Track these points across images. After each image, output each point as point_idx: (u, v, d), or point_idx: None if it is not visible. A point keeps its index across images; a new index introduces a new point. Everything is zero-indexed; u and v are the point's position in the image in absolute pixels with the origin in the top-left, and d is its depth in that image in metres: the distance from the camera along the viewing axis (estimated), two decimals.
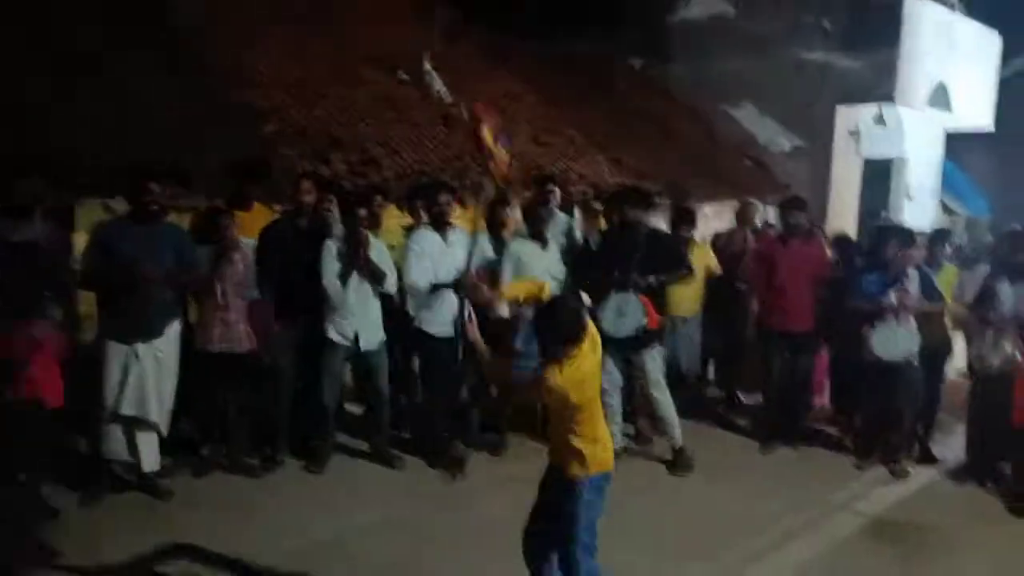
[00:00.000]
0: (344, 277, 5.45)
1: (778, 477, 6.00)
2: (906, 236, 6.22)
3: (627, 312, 5.60)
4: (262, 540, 4.56)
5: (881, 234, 6.34)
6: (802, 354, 6.59)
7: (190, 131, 6.77)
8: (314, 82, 8.56)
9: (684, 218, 6.95)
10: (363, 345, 5.58)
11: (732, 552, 4.71)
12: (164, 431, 5.09)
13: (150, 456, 5.07)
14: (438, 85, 9.66)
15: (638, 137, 11.38)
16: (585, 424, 3.55)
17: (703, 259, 6.79)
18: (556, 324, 3.46)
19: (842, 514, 5.38)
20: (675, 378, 6.55)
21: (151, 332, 4.98)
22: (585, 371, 3.49)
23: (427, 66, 9.65)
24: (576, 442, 3.55)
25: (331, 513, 5.01)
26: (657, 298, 5.86)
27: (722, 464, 6.13)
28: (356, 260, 5.46)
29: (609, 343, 5.46)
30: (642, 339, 5.76)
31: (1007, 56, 15.56)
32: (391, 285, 5.64)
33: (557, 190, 6.86)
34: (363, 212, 5.55)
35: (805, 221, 6.69)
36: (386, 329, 5.77)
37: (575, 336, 3.44)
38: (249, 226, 5.64)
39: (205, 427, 5.63)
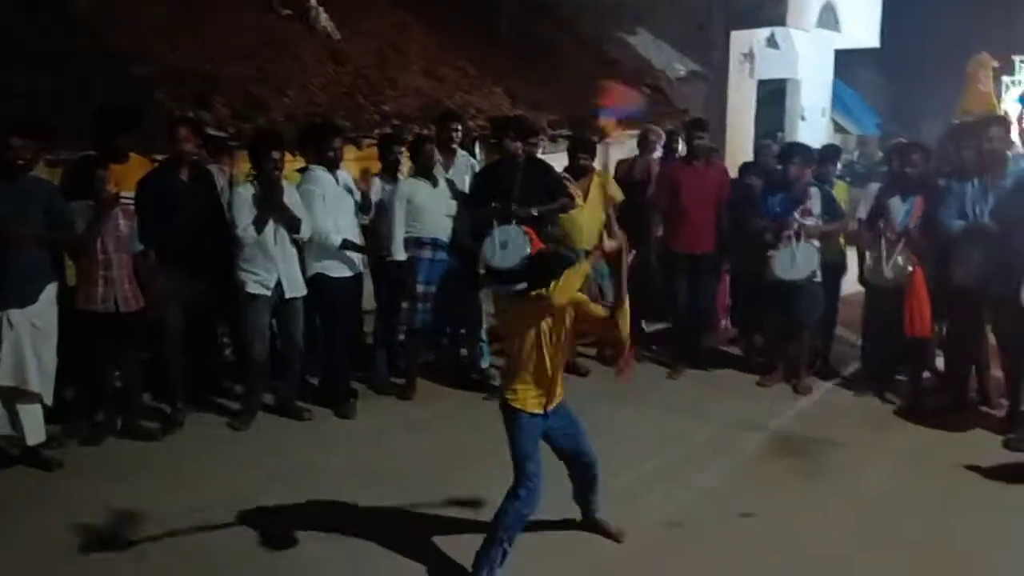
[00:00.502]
0: (260, 225, 5.19)
1: (685, 398, 6.11)
2: (809, 155, 6.28)
3: (509, 243, 5.48)
4: (160, 505, 4.36)
5: (784, 153, 6.37)
6: (705, 276, 6.65)
7: (53, 79, 6.29)
8: (187, 20, 8.06)
9: (582, 147, 6.83)
10: (288, 292, 5.38)
11: (640, 470, 4.75)
12: (48, 400, 4.78)
13: (34, 428, 4.76)
14: (324, 20, 9.25)
15: (534, 67, 11.20)
16: None
17: (604, 188, 6.68)
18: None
19: (747, 430, 5.48)
20: None
21: (24, 298, 4.64)
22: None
23: (311, 0, 9.22)
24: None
25: (231, 470, 4.83)
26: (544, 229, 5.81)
27: (629, 388, 6.13)
28: (272, 206, 5.20)
29: (496, 276, 5.48)
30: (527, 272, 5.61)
31: None
32: (306, 231, 5.40)
33: (460, 127, 6.64)
34: (277, 155, 5.26)
35: (708, 143, 6.72)
36: None
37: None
38: (126, 178, 5.28)
39: (95, 393, 5.32)
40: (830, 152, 6.91)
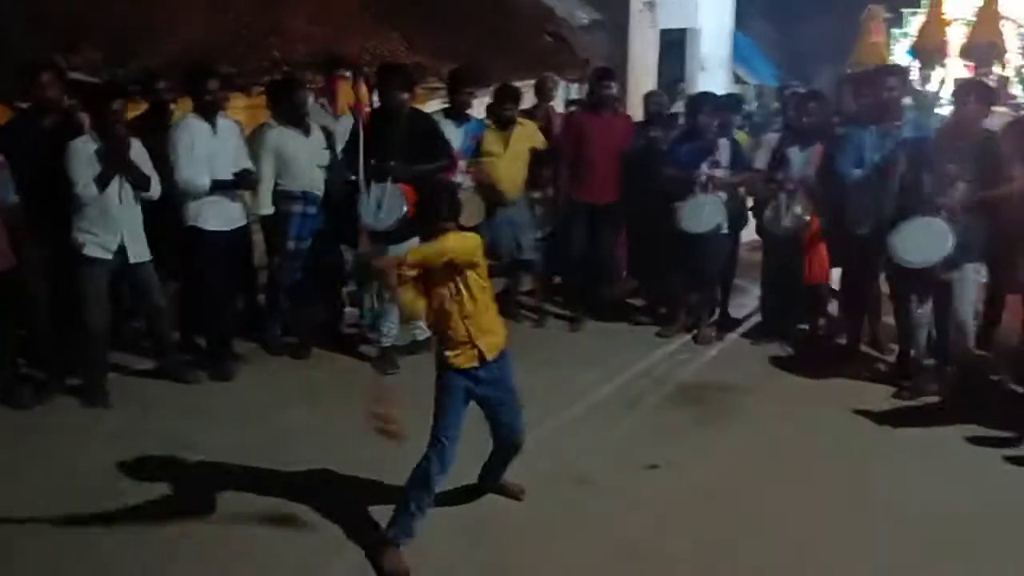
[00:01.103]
0: (103, 182, 4.76)
1: (587, 350, 6.06)
2: (718, 105, 6.22)
3: (384, 203, 5.24)
4: (29, 475, 4.08)
5: (693, 103, 6.29)
6: (608, 226, 6.59)
7: None
8: None
9: (508, 96, 6.58)
10: (132, 257, 4.95)
11: (544, 426, 4.64)
12: None
13: None
14: None
15: (432, 13, 10.77)
16: None
17: (528, 139, 6.48)
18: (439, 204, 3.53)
19: (650, 382, 5.48)
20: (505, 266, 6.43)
21: None
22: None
23: None
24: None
25: (107, 440, 4.54)
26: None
27: (532, 342, 6.08)
28: (117, 162, 4.78)
29: (374, 237, 5.29)
30: (403, 232, 5.17)
31: None
32: (156, 189, 5.02)
33: (347, 75, 6.33)
34: (118, 105, 4.84)
35: (615, 92, 6.60)
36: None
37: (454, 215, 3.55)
38: None
39: None
40: (732, 102, 6.89)
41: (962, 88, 5.20)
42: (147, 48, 7.03)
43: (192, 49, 7.42)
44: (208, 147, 5.19)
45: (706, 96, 6.46)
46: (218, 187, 5.24)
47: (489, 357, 3.54)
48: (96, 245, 4.86)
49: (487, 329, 3.54)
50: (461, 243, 3.43)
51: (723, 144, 6.00)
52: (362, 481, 4.09)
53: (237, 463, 4.31)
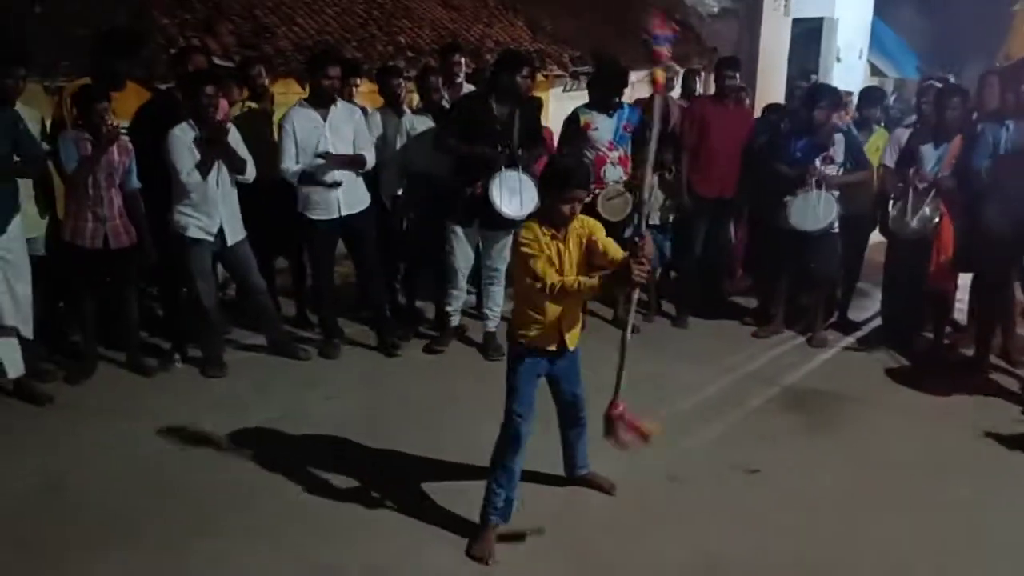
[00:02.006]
0: (204, 169, 4.90)
1: (697, 347, 5.92)
2: (836, 98, 5.95)
3: (522, 192, 5.22)
4: (142, 446, 4.29)
5: (810, 96, 6.03)
6: (727, 221, 6.41)
7: (50, 2, 6.09)
8: None
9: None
10: (230, 239, 5.09)
11: (645, 420, 4.56)
12: (27, 333, 4.69)
13: (12, 361, 4.67)
14: None
15: (556, 0, 10.80)
16: None
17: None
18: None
19: (757, 383, 5.30)
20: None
21: None
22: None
23: None
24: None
25: (227, 410, 4.73)
26: None
27: (641, 337, 5.95)
28: (217, 149, 4.90)
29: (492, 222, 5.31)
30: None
31: None
32: (251, 173, 5.14)
33: (463, 60, 6.36)
34: (211, 91, 4.91)
35: (739, 82, 6.43)
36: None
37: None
38: (123, 107, 5.10)
39: (84, 329, 5.18)
40: (873, 95, 6.51)
41: None
42: (279, 31, 7.30)
43: (323, 31, 7.67)
44: (314, 136, 5.19)
45: (823, 89, 6.16)
46: (309, 176, 5.25)
47: (571, 347, 3.52)
48: (198, 227, 5.01)
49: (575, 320, 3.51)
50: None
51: (839, 139, 5.72)
52: (465, 463, 4.10)
53: (346, 437, 4.42)
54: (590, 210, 5.30)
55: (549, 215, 3.34)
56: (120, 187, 4.88)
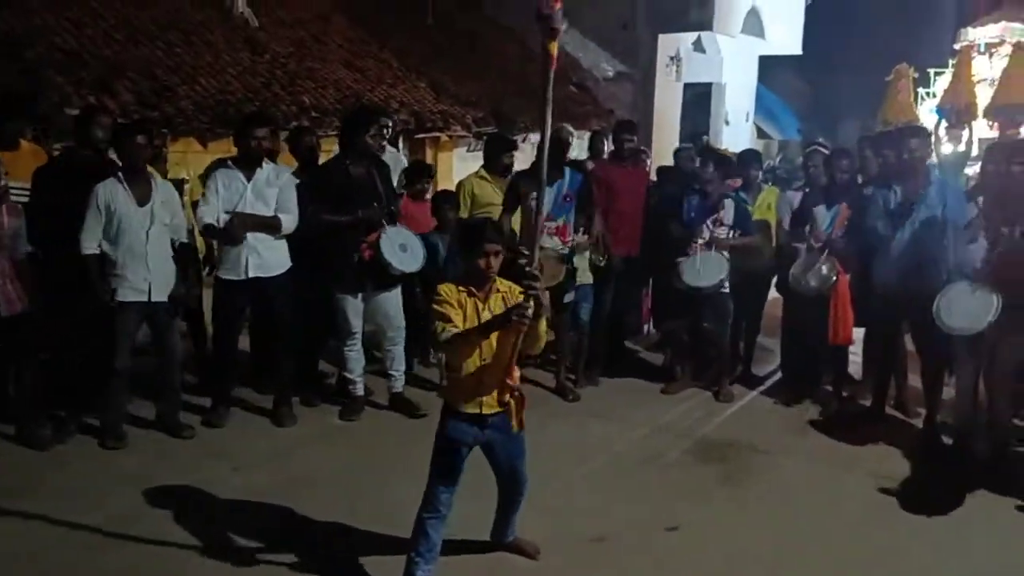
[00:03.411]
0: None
1: (608, 405, 5.98)
2: (726, 163, 6.21)
3: (408, 246, 5.31)
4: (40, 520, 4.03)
5: (701, 159, 6.29)
6: (634, 279, 6.57)
7: None
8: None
9: (505, 145, 6.63)
10: (154, 296, 4.91)
11: (562, 481, 4.59)
12: None
13: None
14: (241, 5, 8.87)
15: (458, 61, 10.98)
16: None
17: None
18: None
19: (670, 438, 5.38)
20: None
21: None
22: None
23: None
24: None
25: (132, 484, 4.48)
26: None
27: (548, 398, 6.04)
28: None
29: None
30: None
31: None
32: (182, 230, 5.06)
33: (390, 123, 6.37)
34: (141, 139, 4.83)
35: (637, 145, 6.65)
36: None
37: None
38: (17, 168, 4.89)
39: None
40: (750, 157, 6.82)
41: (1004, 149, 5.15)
42: (179, 90, 7.15)
43: (224, 91, 7.55)
44: (235, 196, 5.10)
45: (711, 154, 6.44)
46: (216, 234, 5.15)
47: (490, 412, 3.46)
48: (128, 287, 4.84)
49: (496, 383, 3.43)
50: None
51: (729, 204, 5.95)
52: (375, 532, 4.00)
53: (251, 507, 4.26)
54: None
55: (468, 275, 3.38)
56: (9, 251, 4.63)
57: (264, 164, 5.20)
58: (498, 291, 3.42)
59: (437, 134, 9.35)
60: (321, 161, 5.93)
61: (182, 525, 4.06)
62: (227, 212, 5.06)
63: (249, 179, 5.13)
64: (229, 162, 5.21)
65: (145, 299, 4.88)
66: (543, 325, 3.38)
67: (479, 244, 3.34)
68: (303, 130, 6.18)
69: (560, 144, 6.06)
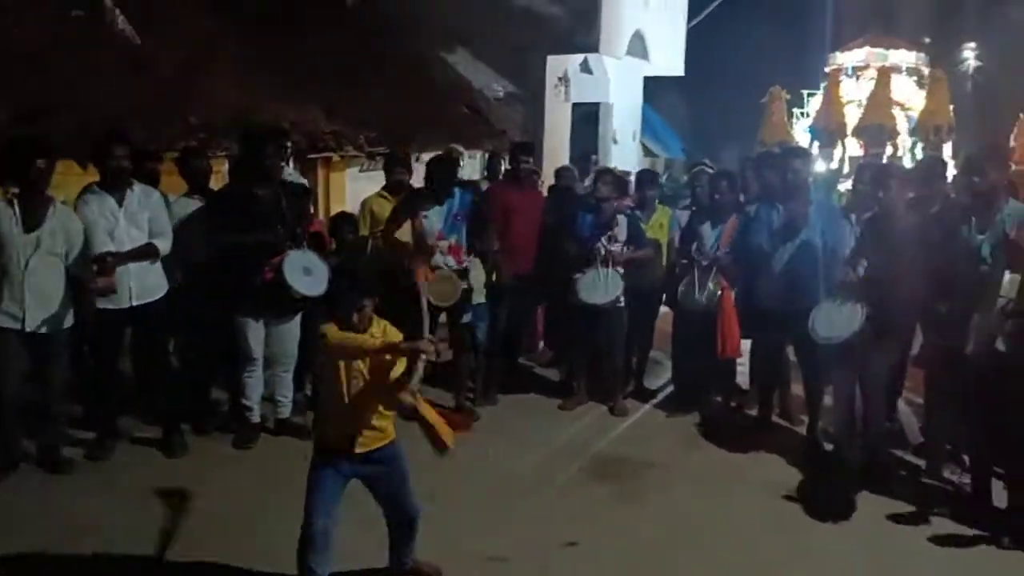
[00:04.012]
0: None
1: (503, 424, 6.03)
2: (619, 182, 6.40)
3: (313, 269, 5.24)
4: None
5: (596, 177, 6.46)
6: (529, 297, 6.67)
7: None
8: None
9: (397, 162, 6.65)
10: (29, 325, 4.68)
11: (459, 502, 4.62)
12: None
13: None
14: (122, 23, 8.57)
15: (352, 81, 10.88)
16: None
17: None
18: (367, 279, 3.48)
19: (566, 456, 5.46)
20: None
21: None
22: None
23: (107, 2, 8.52)
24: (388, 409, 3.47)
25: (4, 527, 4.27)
26: None
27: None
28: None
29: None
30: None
31: (693, 6, 16.75)
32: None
33: (288, 143, 6.28)
34: (42, 163, 4.67)
35: (532, 166, 6.78)
36: None
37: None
38: None
39: None
40: (648, 177, 7.05)
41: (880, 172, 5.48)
42: (58, 110, 6.86)
43: (108, 111, 7.28)
44: (108, 223, 4.92)
45: (605, 173, 6.64)
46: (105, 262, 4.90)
47: (358, 450, 3.47)
48: (3, 314, 4.64)
49: (367, 423, 3.46)
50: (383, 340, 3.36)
51: (622, 220, 6.15)
52: (273, 571, 3.89)
53: (143, 549, 4.11)
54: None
55: (342, 319, 3.40)
56: None
57: (133, 186, 5.05)
58: (374, 335, 3.42)
59: (329, 154, 9.27)
60: (213, 183, 5.81)
61: (61, 569, 3.89)
62: (98, 256, 4.86)
63: (121, 204, 4.97)
64: (95, 187, 5.01)
65: (19, 327, 4.66)
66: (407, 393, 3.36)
67: (355, 297, 3.37)
68: (192, 151, 6.02)
69: (450, 164, 6.14)
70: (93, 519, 4.35)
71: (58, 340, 4.87)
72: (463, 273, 5.79)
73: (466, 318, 5.90)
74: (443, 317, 5.77)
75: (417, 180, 6.76)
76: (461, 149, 7.71)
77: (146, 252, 5.03)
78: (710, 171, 6.48)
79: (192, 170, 5.68)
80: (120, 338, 5.22)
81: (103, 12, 8.44)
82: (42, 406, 4.96)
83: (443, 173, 5.90)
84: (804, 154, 6.08)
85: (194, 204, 5.56)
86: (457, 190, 5.94)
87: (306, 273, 5.20)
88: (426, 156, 10.29)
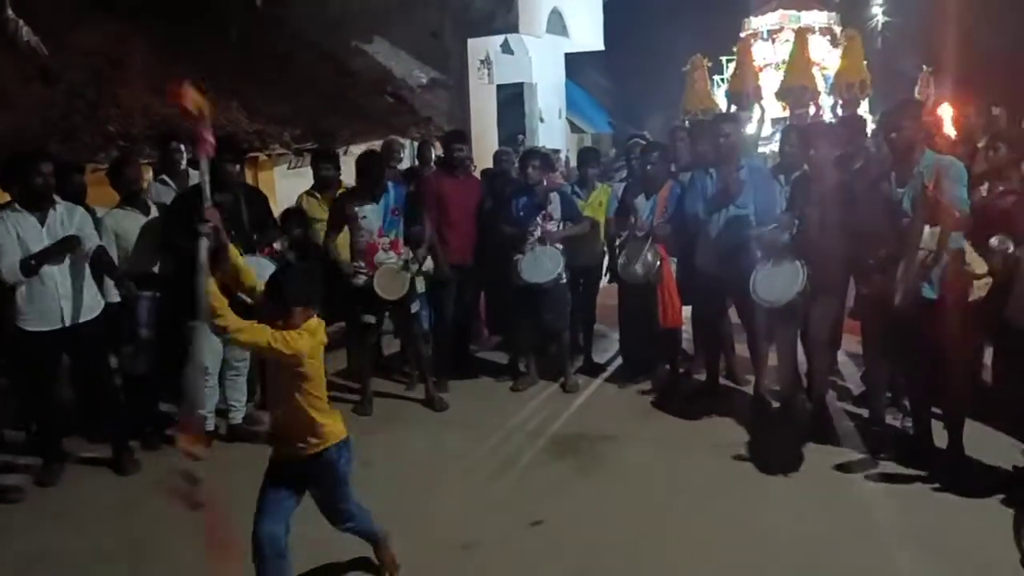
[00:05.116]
0: None
1: (458, 411, 6.06)
2: (546, 160, 6.43)
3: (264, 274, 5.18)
4: None
5: (523, 160, 6.49)
6: (471, 286, 6.67)
7: None
8: None
9: (325, 158, 6.63)
10: None
11: (425, 492, 4.64)
12: None
13: None
14: (26, 34, 8.27)
15: (269, 80, 10.70)
16: (323, 395, 3.46)
17: None
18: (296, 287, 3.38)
19: (522, 436, 5.52)
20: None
21: None
22: (320, 338, 3.41)
23: (9, 12, 8.20)
24: (318, 415, 3.42)
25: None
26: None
27: (403, 409, 6.09)
28: None
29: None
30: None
31: None
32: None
33: (183, 147, 6.13)
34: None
35: (468, 153, 6.78)
36: None
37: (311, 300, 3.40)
38: None
39: None
40: (589, 156, 7.07)
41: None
42: None
43: (19, 126, 7.05)
44: (31, 244, 4.75)
45: (533, 153, 6.67)
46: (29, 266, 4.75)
47: (284, 457, 3.47)
48: None
49: (294, 429, 3.43)
50: (290, 343, 3.28)
51: (555, 198, 6.21)
52: None
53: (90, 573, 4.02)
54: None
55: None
56: None
57: (56, 205, 4.89)
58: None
59: (256, 154, 9.11)
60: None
61: None
62: (23, 260, 4.70)
63: (43, 223, 4.81)
64: (16, 205, 4.82)
65: None
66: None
67: (282, 303, 3.34)
68: (124, 160, 5.86)
69: (376, 158, 6.12)
70: (45, 546, 4.25)
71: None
72: (406, 265, 5.78)
73: (414, 308, 5.92)
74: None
75: (347, 173, 6.74)
76: (402, 142, 7.65)
77: (68, 244, 4.83)
78: (642, 143, 6.55)
79: (126, 180, 5.53)
80: (56, 360, 5.07)
81: (5, 23, 8.14)
82: None
83: (375, 168, 5.88)
84: (734, 119, 6.18)
85: (131, 214, 5.45)
86: (391, 184, 5.93)
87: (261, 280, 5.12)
88: (356, 149, 10.29)
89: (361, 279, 5.71)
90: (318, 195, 6.39)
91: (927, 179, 4.37)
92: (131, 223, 5.40)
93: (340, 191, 6.35)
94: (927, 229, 4.23)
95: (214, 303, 3.24)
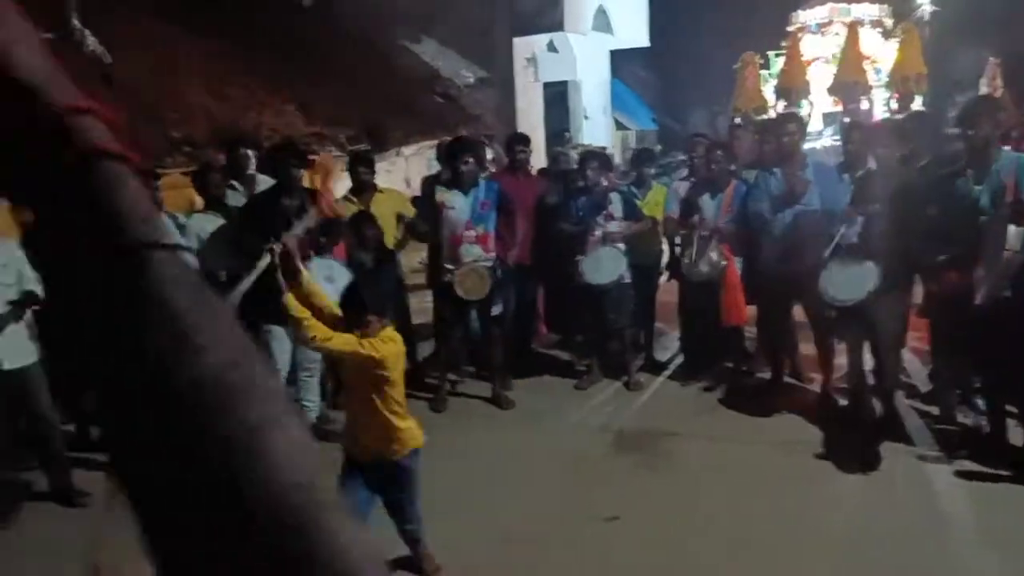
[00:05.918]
0: None
1: (522, 408, 6.10)
2: (606, 160, 6.46)
3: (335, 278, 5.18)
4: None
5: (582, 161, 6.53)
6: (531, 284, 6.73)
7: None
8: None
9: (361, 162, 6.59)
10: None
11: (493, 488, 4.70)
12: None
13: None
14: (91, 42, 8.50)
15: (323, 80, 10.87)
16: (403, 400, 3.55)
17: (390, 205, 6.32)
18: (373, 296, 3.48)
19: (590, 432, 5.57)
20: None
21: None
22: (401, 347, 3.50)
23: (75, 23, 8.43)
24: (399, 421, 3.51)
25: None
26: None
27: (465, 408, 6.17)
28: None
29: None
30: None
31: None
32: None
33: (251, 153, 6.25)
34: None
35: (529, 155, 6.85)
36: None
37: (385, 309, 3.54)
38: None
39: None
40: (645, 156, 7.14)
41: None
42: None
43: None
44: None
45: (593, 154, 6.69)
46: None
47: (361, 459, 3.54)
48: None
49: (373, 435, 3.51)
50: (378, 347, 3.36)
51: (615, 198, 6.24)
52: None
53: None
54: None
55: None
56: None
57: None
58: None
59: (314, 157, 9.26)
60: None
61: None
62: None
63: None
64: None
65: None
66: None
67: (361, 313, 3.42)
68: (209, 166, 6.01)
69: (464, 146, 6.17)
70: None
71: None
72: (493, 266, 5.82)
73: (496, 310, 5.95)
74: None
75: (398, 175, 6.83)
76: (486, 141, 7.72)
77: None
78: (706, 141, 6.56)
79: (210, 185, 5.67)
80: None
81: (72, 32, 8.36)
82: None
83: (461, 156, 5.88)
84: (798, 118, 6.17)
85: (213, 219, 5.58)
86: (482, 179, 5.96)
87: (328, 281, 5.21)
88: (407, 150, 10.42)
89: (445, 277, 5.76)
90: (355, 199, 6.42)
91: (1003, 177, 4.34)
92: (214, 227, 5.52)
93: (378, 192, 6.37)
94: (1012, 229, 4.19)
95: (298, 315, 3.34)
